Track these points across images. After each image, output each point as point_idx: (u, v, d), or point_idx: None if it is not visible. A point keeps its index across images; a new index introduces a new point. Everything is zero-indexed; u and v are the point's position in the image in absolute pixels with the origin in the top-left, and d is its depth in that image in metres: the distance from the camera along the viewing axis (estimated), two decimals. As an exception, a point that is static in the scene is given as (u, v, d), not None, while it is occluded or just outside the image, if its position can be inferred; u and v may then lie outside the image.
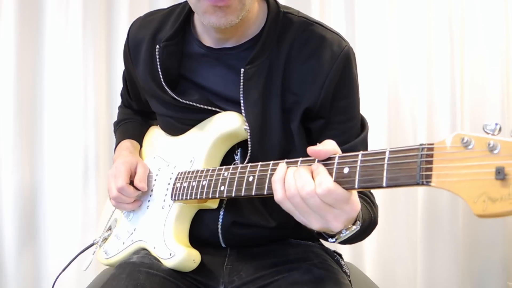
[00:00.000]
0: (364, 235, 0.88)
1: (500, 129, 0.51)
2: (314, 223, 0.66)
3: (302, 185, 0.64)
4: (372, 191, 0.95)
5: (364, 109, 1.01)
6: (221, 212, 0.96)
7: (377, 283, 1.10)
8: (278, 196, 0.67)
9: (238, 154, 0.95)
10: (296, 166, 0.69)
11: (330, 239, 0.72)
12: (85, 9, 1.65)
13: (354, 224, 0.69)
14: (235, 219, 0.95)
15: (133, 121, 1.21)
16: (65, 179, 1.68)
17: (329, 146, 0.67)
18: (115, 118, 1.32)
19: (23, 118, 1.65)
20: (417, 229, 1.88)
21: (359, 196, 0.81)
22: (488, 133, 0.51)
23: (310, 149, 0.67)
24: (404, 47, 1.85)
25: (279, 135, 0.91)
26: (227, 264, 0.96)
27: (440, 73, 1.85)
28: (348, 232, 0.69)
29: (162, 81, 0.96)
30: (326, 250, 1.02)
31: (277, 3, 0.96)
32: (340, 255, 1.02)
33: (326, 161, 0.66)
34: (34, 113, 1.68)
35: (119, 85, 1.48)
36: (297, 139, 0.91)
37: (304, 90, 0.90)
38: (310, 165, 0.67)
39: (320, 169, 0.65)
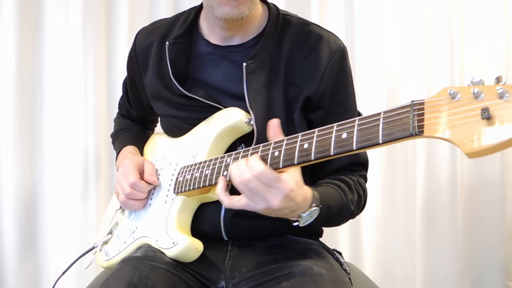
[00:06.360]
0: (338, 218, 0.94)
1: (483, 83, 0.54)
2: (260, 204, 0.77)
3: (242, 173, 0.76)
4: (372, 184, 0.95)
5: (364, 109, 1.01)
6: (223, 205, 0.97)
7: (376, 282, 1.11)
8: (225, 204, 0.82)
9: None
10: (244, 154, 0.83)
11: (294, 223, 0.83)
12: (85, 10, 1.66)
13: (310, 206, 0.81)
14: (237, 210, 0.96)
15: (132, 130, 1.24)
16: (65, 179, 1.68)
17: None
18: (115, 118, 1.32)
19: (23, 118, 1.65)
20: (416, 229, 1.88)
21: (328, 182, 0.93)
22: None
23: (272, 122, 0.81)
24: (404, 46, 1.86)
25: (283, 125, 0.94)
26: (228, 259, 0.97)
27: (440, 73, 1.85)
28: (307, 214, 0.80)
29: (171, 75, 1.00)
30: (326, 247, 1.03)
31: (276, 7, 1.04)
32: (339, 253, 1.03)
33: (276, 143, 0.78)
34: (34, 113, 1.68)
35: (119, 85, 1.47)
36: (298, 128, 0.96)
37: (305, 82, 0.97)
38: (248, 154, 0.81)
39: (251, 157, 0.78)
